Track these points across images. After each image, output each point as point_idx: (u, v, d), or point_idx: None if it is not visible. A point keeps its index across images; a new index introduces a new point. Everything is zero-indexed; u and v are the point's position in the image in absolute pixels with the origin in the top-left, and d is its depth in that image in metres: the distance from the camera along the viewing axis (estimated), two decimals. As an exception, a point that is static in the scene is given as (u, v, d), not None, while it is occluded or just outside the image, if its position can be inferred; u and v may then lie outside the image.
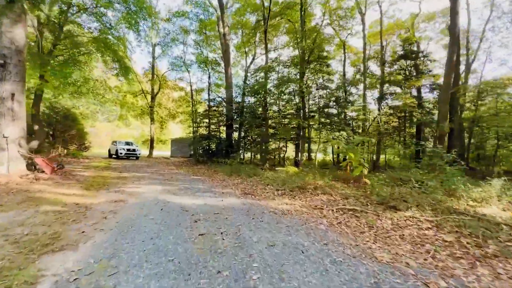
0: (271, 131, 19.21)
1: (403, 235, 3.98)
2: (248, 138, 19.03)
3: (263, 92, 14.82)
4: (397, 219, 4.66)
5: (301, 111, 14.01)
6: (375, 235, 3.98)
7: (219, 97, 21.19)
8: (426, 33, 29.22)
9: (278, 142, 16.22)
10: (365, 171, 6.39)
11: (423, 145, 10.87)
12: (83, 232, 3.57)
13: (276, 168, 15.01)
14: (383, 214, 4.95)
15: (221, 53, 24.01)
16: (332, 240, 3.57)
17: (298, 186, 7.82)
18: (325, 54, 14.38)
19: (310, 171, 12.15)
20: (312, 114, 15.15)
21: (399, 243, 3.62)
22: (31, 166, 8.32)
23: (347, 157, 8.42)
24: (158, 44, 24.56)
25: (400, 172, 8.38)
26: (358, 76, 21.59)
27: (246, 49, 25.89)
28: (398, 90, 17.67)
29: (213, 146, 19.45)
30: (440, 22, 28.25)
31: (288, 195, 7.02)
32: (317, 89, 13.84)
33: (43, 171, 8.42)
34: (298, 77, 13.66)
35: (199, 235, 3.52)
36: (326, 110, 14.29)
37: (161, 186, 8.02)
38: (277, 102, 17.36)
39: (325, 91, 14.29)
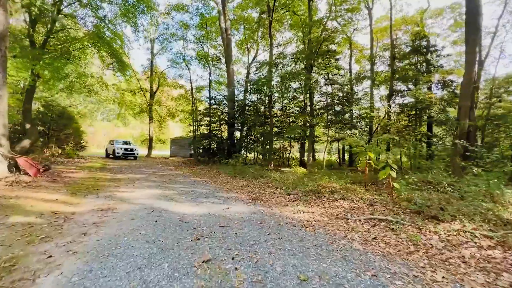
0: (275, 130, 18.36)
1: (463, 257, 3.12)
2: (251, 137, 18.15)
3: (267, 88, 13.95)
4: (445, 234, 3.79)
5: (308, 108, 13.12)
6: (428, 257, 3.11)
7: (220, 95, 20.35)
8: (433, 30, 28.37)
9: (283, 142, 15.35)
10: (393, 174, 5.52)
11: (438, 144, 9.98)
12: (49, 256, 2.70)
13: (282, 169, 14.17)
14: (424, 227, 4.08)
15: (223, 49, 23.19)
16: (380, 268, 2.70)
17: (312, 190, 6.96)
18: (334, 47, 13.49)
19: (319, 172, 11.30)
20: (321, 111, 14.26)
21: (466, 271, 2.75)
22: (13, 167, 7.45)
23: (362, 158, 7.55)
24: (157, 38, 23.67)
25: (424, 174, 7.51)
26: (364, 74, 20.74)
27: (248, 46, 25.01)
28: (406, 87, 16.80)
29: (214, 145, 18.60)
30: (448, 18, 27.42)
31: (302, 201, 6.16)
32: (325, 85, 12.96)
33: (26, 173, 7.56)
34: (304, 72, 12.77)
35: (203, 262, 2.65)
36: (335, 107, 13.42)
37: (158, 190, 7.15)
38: (281, 100, 16.49)
39: (334, 87, 13.38)
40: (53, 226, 3.70)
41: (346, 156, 21.63)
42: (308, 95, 12.94)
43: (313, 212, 5.12)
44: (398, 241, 3.59)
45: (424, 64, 16.62)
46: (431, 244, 3.48)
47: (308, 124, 13.23)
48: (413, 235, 3.76)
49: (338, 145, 20.29)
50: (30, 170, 7.53)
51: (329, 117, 13.71)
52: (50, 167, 8.83)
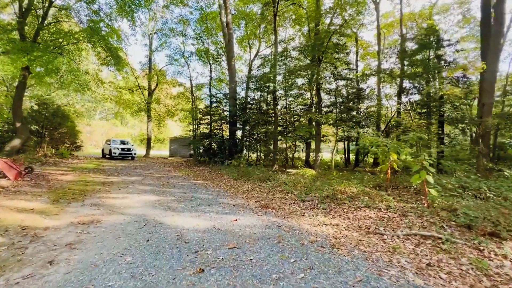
0: (278, 129, 17.52)
1: None
2: (254, 136, 17.31)
3: (272, 84, 13.10)
4: (518, 258, 2.96)
5: (316, 105, 12.27)
6: (514, 296, 2.28)
7: (220, 92, 19.46)
8: (439, 26, 27.56)
9: (288, 141, 14.53)
10: (431, 179, 4.68)
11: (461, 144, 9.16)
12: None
13: (287, 170, 13.34)
14: (485, 247, 3.26)
15: (223, 45, 22.33)
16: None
17: (328, 196, 6.13)
18: (344, 39, 12.61)
19: (330, 174, 10.48)
20: (330, 108, 13.40)
21: None
22: (-11, 170, 6.61)
23: (383, 158, 6.72)
24: (155, 33, 22.75)
25: (455, 177, 6.69)
26: (370, 71, 19.91)
27: (250, 42, 24.14)
28: (419, 84, 15.97)
29: (215, 145, 17.76)
30: (456, 14, 26.62)
31: (320, 209, 5.32)
32: (335, 80, 12.10)
33: (6, 176, 6.71)
34: (313, 65, 11.87)
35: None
36: (345, 104, 12.54)
37: (154, 196, 6.31)
38: (285, 98, 15.65)
39: (342, 83, 12.52)
40: (13, 249, 2.86)
41: (351, 156, 20.84)
42: (315, 91, 12.08)
43: (337, 225, 4.29)
44: (461, 270, 2.76)
45: (435, 59, 15.81)
46: (507, 275, 2.66)
47: (314, 122, 12.38)
48: (476, 260, 2.93)
49: (345, 144, 19.47)
50: (10, 173, 6.68)
51: (339, 115, 12.83)
52: (33, 169, 7.97)
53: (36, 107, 20.53)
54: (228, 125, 18.24)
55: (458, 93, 10.19)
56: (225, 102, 18.92)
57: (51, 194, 5.97)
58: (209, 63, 20.21)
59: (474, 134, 10.35)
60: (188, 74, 22.53)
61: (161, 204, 5.38)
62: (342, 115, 12.04)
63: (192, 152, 28.04)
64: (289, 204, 5.84)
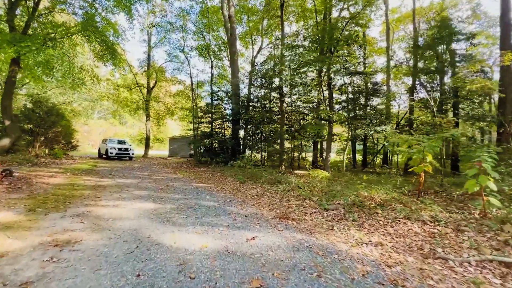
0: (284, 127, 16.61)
1: None
2: (258, 135, 16.40)
3: (278, 79, 12.20)
4: None
5: (327, 101, 11.35)
6: None
7: (221, 90, 18.48)
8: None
9: (294, 141, 13.66)
10: (493, 185, 3.79)
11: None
12: None
13: (295, 172, 12.47)
14: None
15: (226, 40, 21.42)
16: None
17: (354, 203, 5.24)
18: (359, 30, 11.64)
19: (344, 176, 9.60)
20: (342, 105, 12.48)
21: None
22: (-41, 172, 5.69)
23: (416, 159, 5.83)
24: (154, 27, 21.78)
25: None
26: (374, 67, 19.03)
27: (253, 38, 23.24)
28: (435, 80, 15.08)
29: (216, 144, 16.85)
30: (465, 10, 25.79)
31: (349, 220, 4.43)
32: (347, 74, 11.16)
33: (-22, 180, 5.80)
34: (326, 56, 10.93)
35: None
36: (359, 100, 11.59)
37: (151, 203, 5.40)
38: (290, 94, 14.74)
39: (357, 77, 11.60)
40: None
41: (357, 157, 19.96)
42: (327, 86, 11.16)
43: (380, 244, 3.39)
44: None
45: (449, 54, 14.92)
46: None
47: (325, 120, 11.49)
48: None
49: (352, 144, 18.60)
50: (-17, 176, 5.77)
51: (351, 112, 11.90)
52: (12, 171, 7.06)
53: (29, 105, 19.61)
54: (230, 124, 17.35)
55: (490, 85, 9.26)
56: (227, 100, 18.02)
57: (29, 201, 5.06)
58: (211, 59, 19.30)
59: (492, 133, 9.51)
60: (188, 71, 21.63)
61: (159, 215, 4.47)
62: (357, 112, 11.12)
63: (192, 152, 27.14)
64: (310, 213, 4.95)
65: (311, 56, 10.61)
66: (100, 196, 5.88)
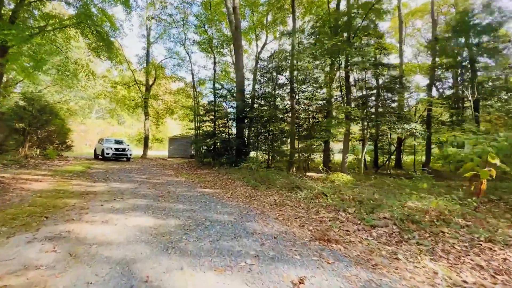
0: (287, 127, 15.53)
1: None
2: (265, 135, 15.31)
3: (289, 73, 11.13)
4: None
5: (345, 96, 10.27)
6: None
7: (223, 88, 17.30)
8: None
9: (306, 141, 12.55)
10: None
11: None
12: None
13: (308, 174, 11.40)
14: None
15: (230, 33, 20.33)
16: None
17: (404, 217, 4.16)
18: (374, 20, 10.57)
19: (369, 179, 8.53)
20: (360, 100, 11.35)
21: None
22: None
23: (477, 161, 4.77)
24: (153, 18, 20.63)
25: None
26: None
27: (257, 32, 22.18)
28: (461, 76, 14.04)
29: (220, 145, 15.76)
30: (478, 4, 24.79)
31: (412, 244, 3.36)
32: (374, 66, 10.04)
33: None
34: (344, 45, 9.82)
35: None
36: (382, 95, 10.50)
37: (150, 218, 4.31)
38: (301, 91, 13.66)
39: (372, 71, 10.47)
40: None
41: (368, 158, 18.90)
42: (344, 79, 10.08)
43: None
44: None
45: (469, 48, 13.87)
46: None
47: (350, 117, 10.37)
48: None
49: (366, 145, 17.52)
50: None
51: (373, 108, 10.80)
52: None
53: (22, 103, 18.47)
54: (233, 122, 16.27)
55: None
56: (230, 98, 16.93)
57: (-5, 215, 3.97)
58: (213, 54, 18.19)
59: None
60: (189, 67, 20.50)
61: (161, 237, 3.38)
62: (379, 109, 10.03)
63: (193, 152, 26.01)
64: (354, 232, 3.87)
65: (328, 45, 9.52)
66: (88, 208, 4.78)
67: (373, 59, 10.65)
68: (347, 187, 6.91)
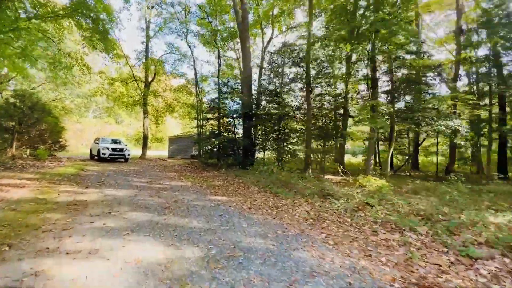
0: (298, 126, 14.39)
1: None
2: (274, 134, 14.15)
3: (305, 66, 9.97)
4: None
5: (372, 90, 9.11)
6: None
7: (226, 85, 15.98)
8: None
9: (325, 140, 11.48)
10: None
11: None
12: None
13: (326, 177, 10.25)
14: None
15: (233, 29, 19.18)
16: None
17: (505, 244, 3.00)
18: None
19: (407, 184, 7.39)
20: (388, 94, 10.17)
21: None
22: None
23: None
24: (153, 7, 19.33)
25: None
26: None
27: (263, 27, 21.02)
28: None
29: (226, 144, 14.57)
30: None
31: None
32: (409, 53, 8.89)
33: None
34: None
35: None
36: (413, 89, 9.28)
37: (156, 246, 3.12)
38: (318, 84, 12.50)
39: (409, 58, 9.24)
40: None
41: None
42: (371, 70, 8.92)
43: None
44: None
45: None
46: None
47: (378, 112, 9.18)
48: None
49: (379, 145, 16.41)
50: None
51: (403, 102, 9.62)
52: None
53: (12, 100, 17.19)
54: (238, 121, 15.05)
55: None
56: (236, 95, 15.75)
57: None
58: (218, 48, 16.98)
59: None
60: (191, 62, 19.17)
61: (177, 285, 2.19)
62: (415, 104, 8.83)
63: (194, 153, 24.78)
64: (450, 267, 2.70)
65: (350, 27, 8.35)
66: (72, 227, 3.58)
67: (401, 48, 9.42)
68: (390, 194, 5.75)
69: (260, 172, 10.45)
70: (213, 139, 14.17)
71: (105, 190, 6.52)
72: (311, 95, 10.73)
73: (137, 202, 5.29)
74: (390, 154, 9.74)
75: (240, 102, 15.35)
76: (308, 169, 10.79)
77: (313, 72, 11.39)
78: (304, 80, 10.59)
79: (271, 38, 21.04)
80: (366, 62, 9.42)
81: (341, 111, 12.82)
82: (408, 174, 13.28)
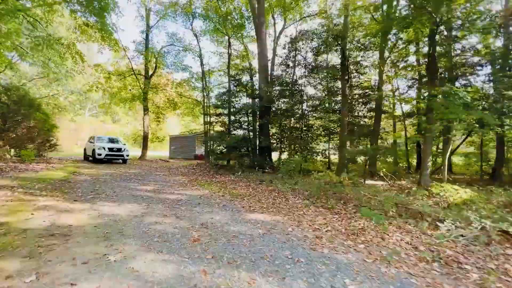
0: (318, 123, 12.69)
1: None
2: (295, 132, 12.44)
3: (341, 49, 8.23)
4: None
5: (430, 76, 7.35)
6: None
7: (236, 78, 14.07)
8: None
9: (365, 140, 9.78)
10: None
11: None
12: None
13: (367, 182, 8.54)
14: None
15: (246, 14, 17.39)
16: None
17: None
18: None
19: (497, 195, 5.68)
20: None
21: None
22: None
23: None
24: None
25: None
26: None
27: (275, 16, 19.29)
28: None
29: (243, 143, 12.81)
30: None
31: None
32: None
33: None
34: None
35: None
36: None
37: None
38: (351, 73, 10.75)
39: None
40: None
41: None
42: (431, 54, 7.18)
43: None
44: None
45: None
46: None
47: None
48: None
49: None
50: None
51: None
52: None
53: (-4, 94, 15.27)
54: (253, 117, 13.27)
55: None
56: (249, 88, 13.97)
57: None
58: (228, 35, 15.17)
59: None
60: (196, 53, 17.32)
61: None
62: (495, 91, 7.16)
63: (197, 153, 22.98)
64: None
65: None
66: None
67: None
68: (499, 211, 4.03)
69: (283, 175, 8.77)
70: (226, 138, 12.37)
71: (100, 205, 4.72)
72: (347, 85, 9.00)
73: (147, 229, 3.51)
74: (448, 155, 8.06)
75: (253, 96, 13.59)
76: (344, 172, 9.06)
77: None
78: (340, 65, 8.85)
79: (283, 29, 19.28)
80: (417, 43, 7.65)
81: (373, 105, 11.13)
82: (440, 176, 11.60)
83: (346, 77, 8.82)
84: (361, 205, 4.91)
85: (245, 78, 14.82)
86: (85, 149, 16.60)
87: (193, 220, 4.03)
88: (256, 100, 13.37)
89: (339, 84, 11.81)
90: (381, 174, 8.83)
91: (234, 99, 13.60)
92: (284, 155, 13.39)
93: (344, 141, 8.97)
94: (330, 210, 4.88)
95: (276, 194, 6.55)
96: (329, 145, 11.03)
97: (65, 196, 5.45)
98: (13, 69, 18.87)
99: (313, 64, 11.46)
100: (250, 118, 13.73)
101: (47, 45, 10.39)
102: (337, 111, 10.20)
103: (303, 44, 11.68)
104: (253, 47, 20.09)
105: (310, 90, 13.00)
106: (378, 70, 10.61)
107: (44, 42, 10.02)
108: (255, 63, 18.51)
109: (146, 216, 4.17)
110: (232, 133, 13.40)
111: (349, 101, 11.57)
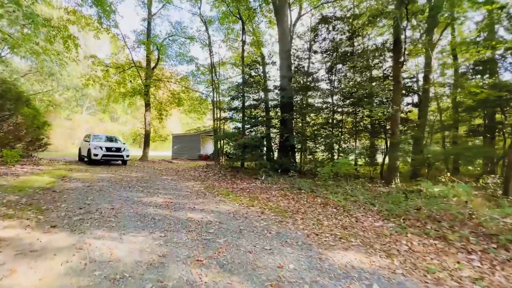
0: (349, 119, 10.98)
1: None
2: (320, 130, 10.70)
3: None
4: None
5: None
6: None
7: (252, 67, 12.20)
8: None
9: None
10: None
11: None
12: None
13: (423, 188, 6.78)
14: None
15: None
16: None
17: None
18: None
19: None
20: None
21: None
22: None
23: None
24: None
25: None
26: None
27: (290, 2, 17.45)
28: None
29: (267, 143, 11.07)
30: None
31: None
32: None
33: None
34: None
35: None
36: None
37: None
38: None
39: None
40: None
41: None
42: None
43: None
44: None
45: None
46: None
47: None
48: None
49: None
50: None
51: None
52: None
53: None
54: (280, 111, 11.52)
55: None
56: (264, 81, 12.20)
57: None
58: (241, 20, 13.37)
59: None
60: (206, 41, 15.43)
61: None
62: None
63: (202, 153, 21.22)
64: None
65: None
66: None
67: None
68: None
69: (326, 180, 7.06)
70: (242, 136, 10.59)
71: (91, 238, 2.95)
72: (402, 69, 7.26)
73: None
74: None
75: (267, 89, 11.84)
76: (395, 178, 7.34)
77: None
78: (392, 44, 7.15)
79: (299, 16, 17.51)
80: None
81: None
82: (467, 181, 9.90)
83: (401, 59, 7.09)
84: (474, 232, 3.16)
85: (254, 72, 13.04)
86: (79, 149, 14.78)
87: (251, 274, 2.28)
88: (275, 91, 11.66)
89: (378, 71, 10.08)
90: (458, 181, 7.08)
91: (247, 93, 11.83)
92: (307, 156, 11.66)
93: (397, 139, 7.23)
94: (451, 245, 3.12)
95: (335, 210, 4.80)
96: (386, 144, 9.27)
97: (40, 216, 3.69)
98: (4, 62, 17.06)
99: (348, 48, 9.73)
100: (271, 113, 11.99)
101: (34, 23, 8.55)
102: (384, 102, 8.45)
103: (332, 27, 9.93)
104: (264, 37, 18.34)
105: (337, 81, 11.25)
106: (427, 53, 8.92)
107: (29, 18, 8.18)
108: (265, 52, 16.80)
109: (169, 264, 2.41)
110: (248, 130, 11.67)
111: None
